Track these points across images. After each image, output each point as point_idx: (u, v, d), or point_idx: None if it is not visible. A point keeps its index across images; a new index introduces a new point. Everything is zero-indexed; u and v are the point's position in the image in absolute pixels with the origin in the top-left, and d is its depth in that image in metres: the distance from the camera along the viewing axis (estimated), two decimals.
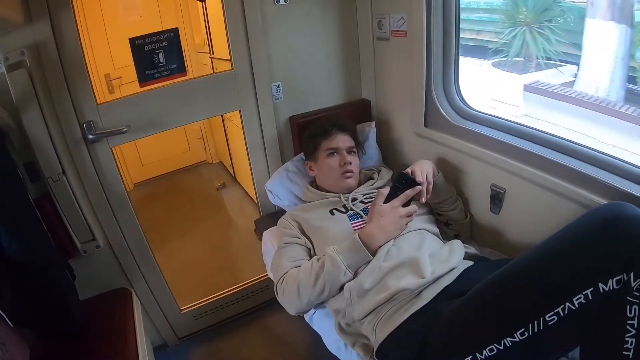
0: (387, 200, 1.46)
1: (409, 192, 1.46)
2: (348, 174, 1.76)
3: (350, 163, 1.77)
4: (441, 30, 1.74)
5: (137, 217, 2.00)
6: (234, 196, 4.08)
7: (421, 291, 1.29)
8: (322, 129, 1.83)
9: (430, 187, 1.56)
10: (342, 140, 1.80)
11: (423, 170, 1.55)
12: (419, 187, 1.49)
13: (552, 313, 0.95)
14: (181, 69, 1.89)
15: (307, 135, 1.92)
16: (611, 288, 0.90)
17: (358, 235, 1.44)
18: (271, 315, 2.47)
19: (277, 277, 1.57)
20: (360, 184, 1.85)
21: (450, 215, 1.72)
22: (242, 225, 3.53)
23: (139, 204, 4.01)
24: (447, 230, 1.75)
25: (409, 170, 1.55)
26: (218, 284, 2.51)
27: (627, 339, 0.90)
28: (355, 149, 1.85)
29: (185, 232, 3.51)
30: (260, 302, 2.54)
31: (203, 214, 3.85)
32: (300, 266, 1.53)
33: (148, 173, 4.59)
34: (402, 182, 1.48)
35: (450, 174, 1.80)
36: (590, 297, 0.92)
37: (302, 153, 2.03)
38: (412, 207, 1.47)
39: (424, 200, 1.54)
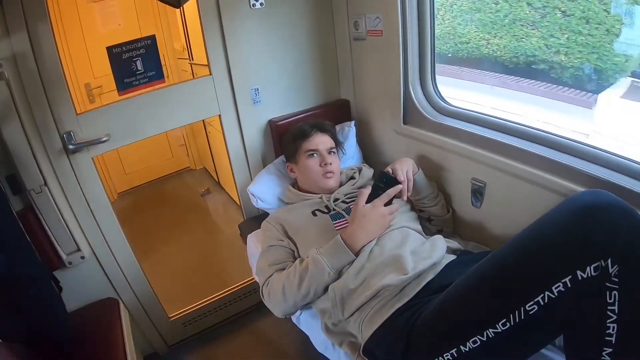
0: (369, 200, 1.46)
1: (391, 192, 1.46)
2: (329, 175, 1.76)
3: (331, 164, 1.77)
4: (416, 28, 1.76)
5: (121, 226, 1.99)
6: (219, 201, 4.07)
7: (404, 287, 1.30)
8: (301, 130, 1.84)
9: (411, 184, 1.58)
10: (322, 142, 1.81)
11: (403, 169, 1.57)
12: (400, 185, 1.50)
13: (532, 302, 0.97)
14: (159, 76, 1.88)
15: (286, 137, 1.92)
16: (589, 275, 0.91)
17: (340, 236, 1.44)
18: (260, 318, 2.47)
19: (262, 280, 1.58)
20: (341, 184, 1.85)
21: (432, 211, 1.74)
22: (227, 230, 3.52)
23: (123, 213, 3.99)
24: (429, 226, 1.78)
25: (389, 169, 1.57)
26: (206, 290, 2.50)
27: (608, 324, 0.91)
28: (335, 150, 1.85)
29: (171, 239, 3.49)
30: (249, 305, 2.54)
31: (188, 220, 3.83)
32: (284, 269, 1.53)
33: (132, 182, 4.55)
34: (384, 181, 1.48)
35: (431, 170, 1.81)
36: (569, 285, 0.93)
37: (283, 155, 2.03)
38: (394, 205, 1.47)
39: (405, 198, 1.56)
